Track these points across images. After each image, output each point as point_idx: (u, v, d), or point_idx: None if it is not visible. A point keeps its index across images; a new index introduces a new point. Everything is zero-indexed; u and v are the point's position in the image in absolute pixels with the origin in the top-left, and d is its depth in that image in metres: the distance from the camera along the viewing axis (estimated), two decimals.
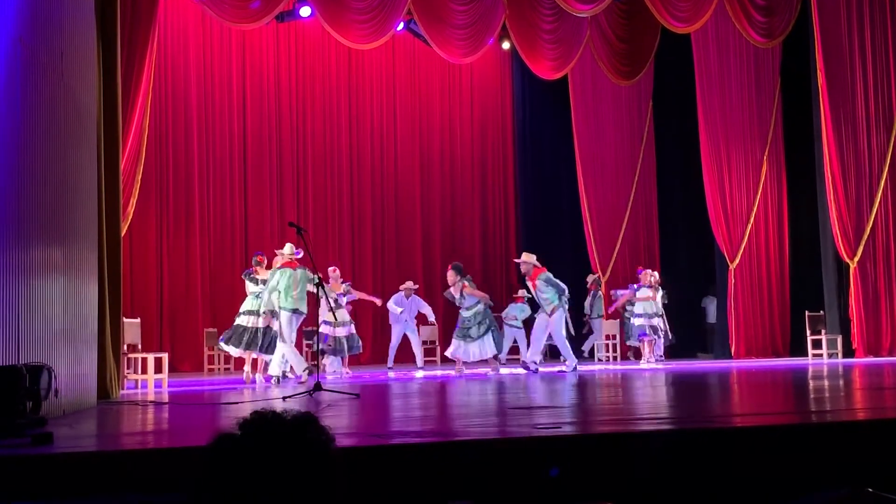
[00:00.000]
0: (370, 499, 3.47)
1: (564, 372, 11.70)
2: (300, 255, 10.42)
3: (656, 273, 14.65)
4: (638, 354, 14.63)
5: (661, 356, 14.30)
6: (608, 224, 16.33)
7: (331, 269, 12.53)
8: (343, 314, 11.93)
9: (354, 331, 12.50)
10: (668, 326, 14.48)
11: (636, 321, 14.14)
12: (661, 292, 14.35)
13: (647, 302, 14.02)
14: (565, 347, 12.19)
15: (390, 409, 7.02)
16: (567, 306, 12.22)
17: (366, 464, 3.68)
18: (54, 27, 6.54)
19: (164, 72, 14.47)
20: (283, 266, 10.35)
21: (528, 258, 12.36)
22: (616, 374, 11.48)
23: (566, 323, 12.28)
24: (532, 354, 12.23)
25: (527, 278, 12.32)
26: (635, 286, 14.31)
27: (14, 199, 5.54)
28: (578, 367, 12.11)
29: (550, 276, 12.14)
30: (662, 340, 14.35)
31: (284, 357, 10.29)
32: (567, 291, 12.18)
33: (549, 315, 11.96)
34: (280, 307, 10.16)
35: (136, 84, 9.78)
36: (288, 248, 10.54)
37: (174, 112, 15.08)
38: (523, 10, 14.03)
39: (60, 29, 6.69)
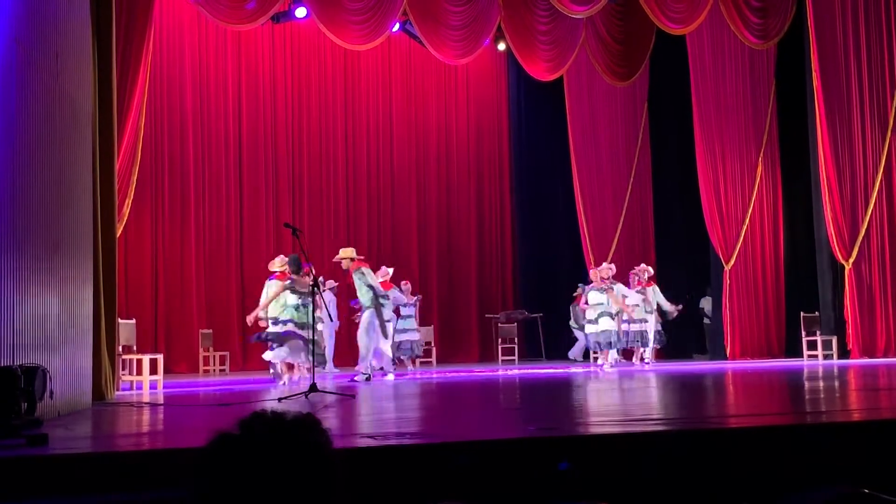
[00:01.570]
0: (364, 500, 3.46)
1: (356, 382, 10.35)
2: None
3: (624, 269, 14.05)
4: (628, 355, 14.41)
5: (648, 360, 14.05)
6: (604, 225, 16.35)
7: (403, 282, 13.58)
8: (411, 322, 13.66)
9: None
10: (652, 328, 13.82)
11: (588, 328, 13.07)
12: (645, 292, 13.53)
13: (598, 305, 12.83)
14: (366, 353, 10.74)
15: (387, 410, 7.01)
16: (386, 308, 10.96)
17: (360, 465, 3.68)
18: (50, 28, 6.53)
19: (160, 73, 14.45)
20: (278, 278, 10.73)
21: (344, 254, 11.05)
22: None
23: (384, 328, 10.79)
24: (369, 363, 10.83)
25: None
26: (585, 288, 13.31)
27: (9, 201, 5.53)
28: (372, 379, 10.57)
29: (367, 271, 10.94)
30: (636, 345, 13.63)
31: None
32: (381, 293, 10.84)
33: (360, 312, 10.90)
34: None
35: (131, 85, 9.75)
36: (279, 260, 10.93)
37: (170, 113, 15.07)
38: (519, 11, 14.03)
39: (56, 29, 6.67)
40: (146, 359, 9.63)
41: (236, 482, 1.44)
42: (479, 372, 12.83)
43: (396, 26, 14.21)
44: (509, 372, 12.70)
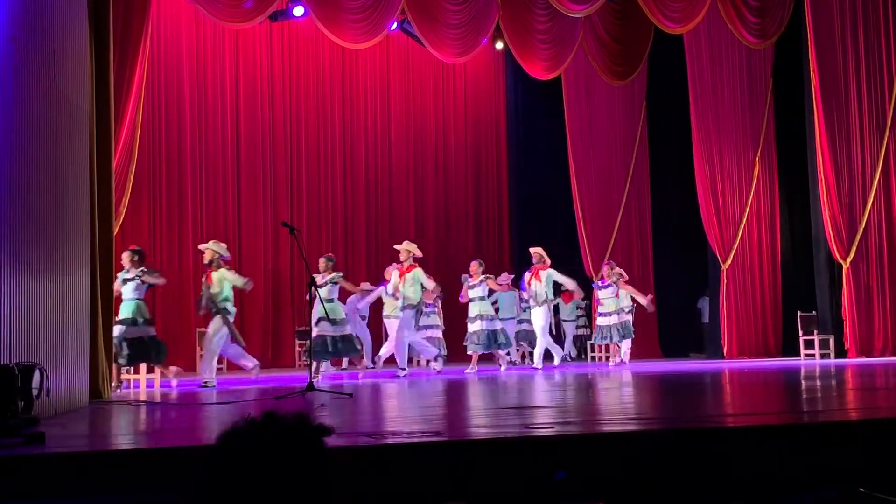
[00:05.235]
0: (364, 500, 3.46)
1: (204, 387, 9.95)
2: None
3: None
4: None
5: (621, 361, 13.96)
6: (601, 224, 16.34)
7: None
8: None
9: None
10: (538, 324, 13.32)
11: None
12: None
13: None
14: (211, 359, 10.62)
15: (384, 409, 7.01)
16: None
17: (359, 465, 3.67)
18: (46, 26, 6.52)
19: (157, 71, 14.43)
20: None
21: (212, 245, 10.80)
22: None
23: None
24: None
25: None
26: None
27: (6, 199, 5.52)
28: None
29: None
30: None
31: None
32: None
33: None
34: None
35: (128, 83, 9.75)
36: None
37: (167, 111, 15.05)
38: (517, 10, 14.03)
39: (52, 28, 6.66)
40: None
41: (232, 480, 1.44)
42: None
43: (394, 25, 14.20)
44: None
